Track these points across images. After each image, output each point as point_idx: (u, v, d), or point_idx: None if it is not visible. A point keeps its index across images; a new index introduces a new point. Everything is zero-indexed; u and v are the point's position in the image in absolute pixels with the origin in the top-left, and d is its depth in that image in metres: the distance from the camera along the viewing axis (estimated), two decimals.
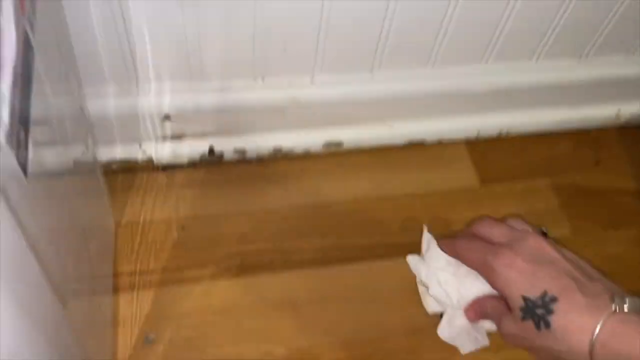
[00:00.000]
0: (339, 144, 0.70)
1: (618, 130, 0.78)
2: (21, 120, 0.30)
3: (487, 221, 0.44)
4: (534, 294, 0.37)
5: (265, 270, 0.62)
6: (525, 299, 0.38)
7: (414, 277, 0.63)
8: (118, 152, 0.65)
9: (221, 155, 0.68)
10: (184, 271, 0.61)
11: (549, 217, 0.69)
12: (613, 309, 0.36)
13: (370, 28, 0.59)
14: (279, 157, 0.70)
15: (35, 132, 0.33)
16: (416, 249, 0.65)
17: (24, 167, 0.30)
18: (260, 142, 0.69)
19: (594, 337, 0.35)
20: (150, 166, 0.67)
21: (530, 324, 0.37)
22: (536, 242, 0.40)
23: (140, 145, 0.65)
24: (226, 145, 0.68)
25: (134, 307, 0.58)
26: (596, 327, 0.35)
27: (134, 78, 0.59)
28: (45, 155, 0.37)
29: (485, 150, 0.74)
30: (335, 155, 0.71)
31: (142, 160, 0.66)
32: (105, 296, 0.56)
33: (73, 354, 0.42)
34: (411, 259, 0.48)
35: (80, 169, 0.52)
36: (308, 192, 0.68)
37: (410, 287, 0.63)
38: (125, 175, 0.66)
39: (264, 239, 0.64)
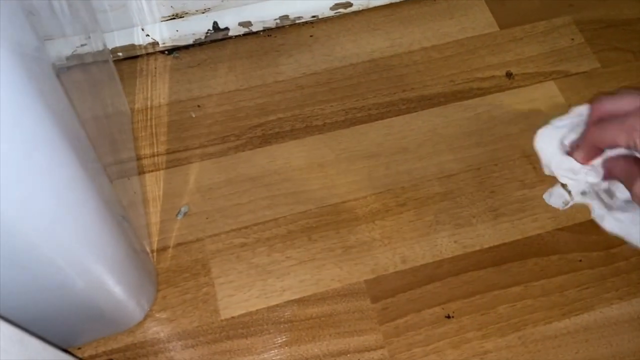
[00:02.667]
0: (348, 5, 0.67)
1: None
2: None
3: (605, 98, 0.39)
4: None
5: (288, 137, 0.61)
6: None
7: (440, 127, 0.62)
8: (121, 38, 0.63)
9: (226, 31, 0.65)
10: (206, 147, 0.60)
11: (574, 53, 0.66)
12: None
13: None
14: (287, 27, 0.67)
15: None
16: (437, 101, 0.63)
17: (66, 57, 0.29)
18: (266, 12, 0.65)
19: None
20: (156, 50, 0.64)
21: None
22: None
23: (143, 29, 0.63)
24: (230, 19, 0.65)
25: (162, 186, 0.58)
26: None
27: None
28: (77, 47, 0.36)
29: None
30: (345, 18, 0.68)
31: (146, 44, 0.64)
32: (133, 178, 0.56)
33: (124, 228, 0.42)
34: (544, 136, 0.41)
35: (98, 58, 0.50)
36: (321, 58, 0.65)
37: (436, 137, 0.62)
38: (131, 61, 0.64)
39: (282, 109, 0.62)
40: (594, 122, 0.38)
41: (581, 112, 0.39)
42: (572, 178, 0.39)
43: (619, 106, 0.37)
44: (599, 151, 0.38)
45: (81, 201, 0.32)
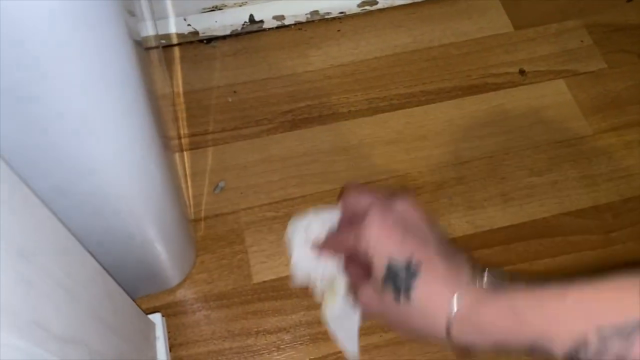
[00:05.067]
0: (373, 2, 0.72)
1: None
2: None
3: (350, 195, 0.41)
4: (400, 256, 0.34)
5: (316, 123, 0.66)
6: (389, 263, 0.35)
7: (457, 117, 0.67)
8: (165, 27, 0.68)
9: (261, 23, 0.70)
10: (242, 129, 0.65)
11: (583, 54, 0.71)
12: (473, 281, 0.33)
13: None
14: (317, 21, 0.72)
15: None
16: (454, 94, 0.68)
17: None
18: (298, 7, 0.71)
19: (453, 310, 0.32)
20: (195, 39, 0.70)
21: (390, 294, 0.35)
22: (406, 207, 0.37)
23: (185, 19, 0.68)
24: (265, 13, 0.70)
25: (200, 163, 0.63)
26: (453, 299, 0.32)
27: None
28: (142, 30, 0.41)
29: None
30: (371, 15, 0.73)
31: (187, 33, 0.69)
32: (175, 155, 0.61)
33: (180, 196, 0.48)
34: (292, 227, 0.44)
35: (152, 43, 0.56)
36: (348, 51, 0.71)
37: (452, 127, 0.67)
38: (173, 48, 0.70)
39: (311, 97, 0.68)
40: (344, 223, 0.41)
41: (337, 212, 0.42)
42: (304, 269, 0.42)
43: (360, 205, 0.38)
44: (341, 251, 0.40)
45: (156, 164, 0.37)
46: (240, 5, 0.69)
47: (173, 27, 0.68)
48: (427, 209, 0.61)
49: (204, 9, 0.68)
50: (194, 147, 0.64)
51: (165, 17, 0.68)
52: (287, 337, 0.55)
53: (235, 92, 0.68)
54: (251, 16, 0.70)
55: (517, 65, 0.70)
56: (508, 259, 0.59)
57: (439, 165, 0.64)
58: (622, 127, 0.67)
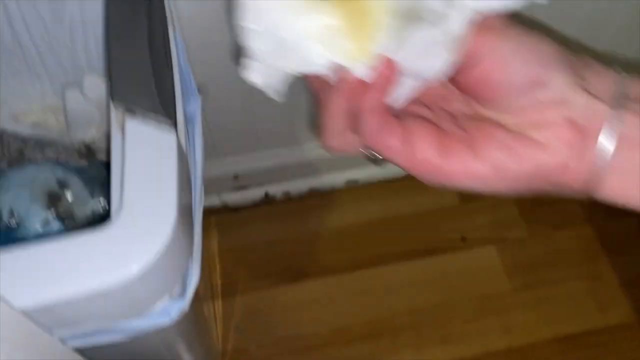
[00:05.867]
0: (355, 181, 0.98)
1: None
2: None
3: None
4: None
5: (310, 276, 0.91)
6: None
7: (408, 274, 0.92)
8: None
9: (273, 197, 0.97)
10: (254, 282, 0.91)
11: (510, 223, 0.96)
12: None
13: None
14: (313, 195, 0.98)
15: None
16: (414, 255, 0.93)
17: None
18: (299, 186, 0.97)
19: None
20: (225, 208, 0.96)
21: None
22: None
23: (218, 196, 0.95)
24: (276, 190, 0.96)
25: (222, 308, 0.88)
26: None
27: (213, 153, 0.88)
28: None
29: None
30: (354, 190, 0.99)
31: (219, 205, 0.96)
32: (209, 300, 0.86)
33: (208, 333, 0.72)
34: None
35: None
36: (334, 218, 0.96)
37: (402, 280, 0.91)
38: (208, 216, 0.96)
39: (304, 253, 0.93)
40: None
41: None
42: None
43: None
44: None
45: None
46: (258, 186, 0.96)
47: (208, 200, 0.95)
48: (373, 352, 0.85)
49: (234, 187, 0.95)
50: (219, 295, 0.89)
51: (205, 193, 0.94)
52: None
53: (250, 251, 0.93)
54: (266, 192, 0.96)
55: (460, 232, 0.95)
56: None
57: (394, 311, 0.88)
58: (537, 285, 0.90)
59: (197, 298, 0.55)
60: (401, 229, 0.95)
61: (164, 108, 0.37)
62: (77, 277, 0.32)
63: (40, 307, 0.31)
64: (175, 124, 0.37)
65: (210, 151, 0.86)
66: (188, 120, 0.45)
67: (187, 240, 0.37)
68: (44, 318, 0.32)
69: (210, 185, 0.93)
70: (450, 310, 0.88)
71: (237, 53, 0.69)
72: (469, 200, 0.98)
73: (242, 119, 0.81)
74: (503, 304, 0.89)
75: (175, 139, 0.36)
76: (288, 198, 0.98)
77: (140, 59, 0.39)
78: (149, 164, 0.35)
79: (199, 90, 0.48)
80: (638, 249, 0.94)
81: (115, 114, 0.36)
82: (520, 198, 0.98)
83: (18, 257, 0.32)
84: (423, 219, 0.96)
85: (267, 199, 0.97)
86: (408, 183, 0.99)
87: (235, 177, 0.92)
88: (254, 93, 0.77)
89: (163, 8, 0.45)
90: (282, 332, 0.86)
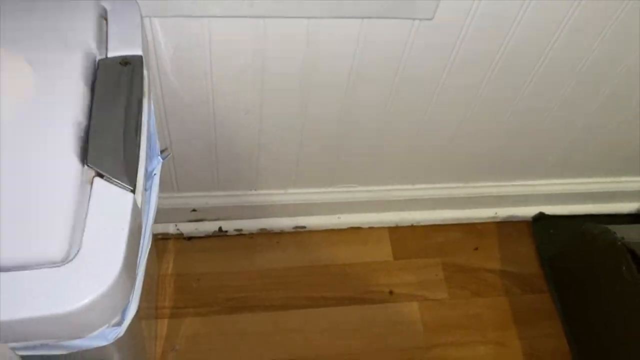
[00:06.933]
0: (303, 227, 1.08)
1: (496, 225, 1.15)
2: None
3: None
4: None
5: (247, 310, 1.00)
6: None
7: (336, 320, 1.01)
8: (161, 228, 1.03)
9: (226, 232, 1.06)
10: (198, 308, 0.99)
11: (435, 285, 1.06)
12: None
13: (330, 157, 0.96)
14: (263, 234, 1.07)
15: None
16: (345, 302, 1.02)
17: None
18: (251, 225, 1.06)
19: None
20: (181, 237, 1.05)
21: None
22: None
23: (175, 225, 1.03)
24: (230, 226, 1.05)
25: (165, 328, 0.96)
26: None
27: (176, 188, 0.97)
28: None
29: (401, 236, 1.11)
30: (300, 234, 1.08)
31: (175, 233, 1.04)
32: (151, 320, 0.94)
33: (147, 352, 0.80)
34: None
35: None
36: (278, 258, 1.05)
37: (333, 327, 1.00)
38: (164, 241, 1.04)
39: (247, 287, 1.02)
40: None
41: None
42: None
43: None
44: None
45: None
46: (214, 220, 1.04)
47: (165, 229, 1.03)
48: None
49: (190, 219, 1.04)
50: (162, 316, 0.97)
51: (163, 221, 1.03)
52: None
53: (199, 279, 1.02)
54: (220, 227, 1.05)
55: (389, 287, 1.05)
56: None
57: (316, 354, 0.97)
58: (449, 344, 1.01)
59: (136, 321, 0.63)
60: (337, 275, 1.05)
61: (127, 173, 0.46)
62: (34, 303, 0.40)
63: (2, 322, 0.40)
64: (134, 186, 0.46)
65: (173, 186, 0.95)
66: (148, 176, 0.55)
67: (130, 281, 0.46)
68: (4, 331, 0.41)
69: (170, 215, 1.02)
70: (369, 358, 0.97)
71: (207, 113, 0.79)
72: (402, 257, 1.09)
73: (205, 162, 0.90)
74: (416, 358, 0.98)
75: (132, 199, 0.46)
76: (239, 234, 1.07)
77: (115, 129, 0.48)
78: (107, 218, 0.44)
79: (162, 152, 0.57)
80: (547, 324, 1.05)
81: (86, 173, 0.46)
82: (446, 264, 1.09)
83: None
84: (358, 269, 1.06)
85: (220, 233, 1.06)
86: (350, 235, 1.10)
87: (193, 210, 1.01)
88: (218, 141, 0.87)
89: (142, 80, 0.55)
90: (216, 358, 0.94)
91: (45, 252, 0.41)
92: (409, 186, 1.04)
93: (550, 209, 1.14)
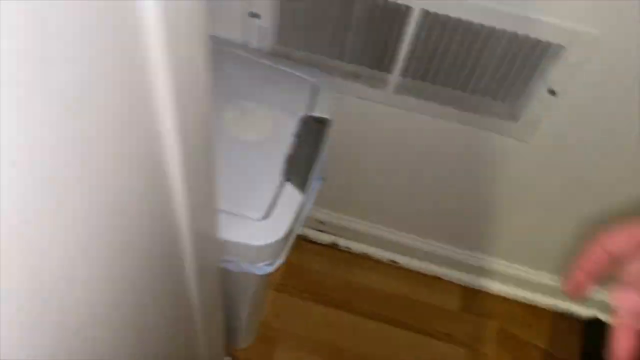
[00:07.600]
0: (396, 262, 1.38)
1: (552, 313, 1.35)
2: None
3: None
4: None
5: (335, 307, 1.31)
6: None
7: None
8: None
9: (337, 245, 1.39)
10: (300, 292, 1.32)
11: (485, 339, 1.29)
12: None
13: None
14: (365, 257, 1.39)
15: None
16: (403, 325, 1.29)
17: None
18: (358, 247, 1.38)
19: None
20: (300, 237, 1.40)
21: None
22: None
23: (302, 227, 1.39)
24: (342, 243, 1.38)
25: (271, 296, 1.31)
26: None
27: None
28: None
29: (472, 294, 1.35)
30: (393, 267, 1.38)
31: (299, 233, 1.40)
32: None
33: None
34: None
35: None
36: (375, 279, 1.36)
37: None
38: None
39: (345, 293, 1.33)
40: None
41: None
42: None
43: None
44: None
45: None
46: (332, 234, 1.39)
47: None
48: None
49: (313, 227, 1.39)
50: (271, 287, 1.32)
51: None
52: None
53: (306, 272, 1.36)
54: (334, 242, 1.39)
55: (446, 329, 1.30)
56: None
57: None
58: None
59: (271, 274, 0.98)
60: (411, 307, 1.32)
61: (302, 185, 0.81)
62: (241, 234, 0.76)
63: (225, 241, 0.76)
64: (303, 192, 0.81)
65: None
66: (311, 191, 0.90)
67: (285, 242, 0.81)
68: (224, 246, 0.78)
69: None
70: None
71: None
72: (468, 311, 1.34)
73: (360, 191, 1.25)
74: None
75: (301, 198, 0.81)
76: (347, 251, 1.40)
77: (305, 161, 0.84)
78: (287, 204, 0.80)
79: (323, 178, 0.92)
80: None
81: (283, 181, 0.82)
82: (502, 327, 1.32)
83: None
84: (427, 308, 1.33)
85: (332, 245, 1.39)
86: (430, 280, 1.38)
87: (321, 222, 1.36)
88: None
89: (325, 133, 0.91)
90: (300, 330, 1.27)
91: (254, 213, 0.78)
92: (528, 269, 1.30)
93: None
